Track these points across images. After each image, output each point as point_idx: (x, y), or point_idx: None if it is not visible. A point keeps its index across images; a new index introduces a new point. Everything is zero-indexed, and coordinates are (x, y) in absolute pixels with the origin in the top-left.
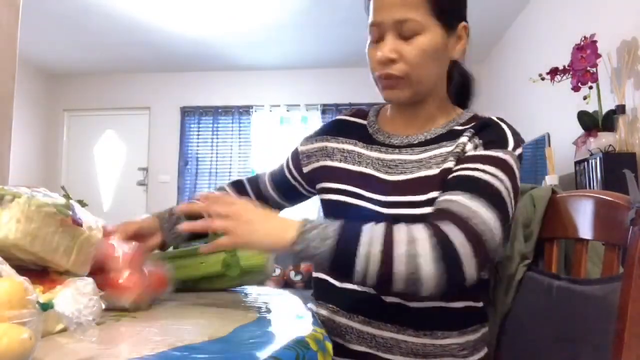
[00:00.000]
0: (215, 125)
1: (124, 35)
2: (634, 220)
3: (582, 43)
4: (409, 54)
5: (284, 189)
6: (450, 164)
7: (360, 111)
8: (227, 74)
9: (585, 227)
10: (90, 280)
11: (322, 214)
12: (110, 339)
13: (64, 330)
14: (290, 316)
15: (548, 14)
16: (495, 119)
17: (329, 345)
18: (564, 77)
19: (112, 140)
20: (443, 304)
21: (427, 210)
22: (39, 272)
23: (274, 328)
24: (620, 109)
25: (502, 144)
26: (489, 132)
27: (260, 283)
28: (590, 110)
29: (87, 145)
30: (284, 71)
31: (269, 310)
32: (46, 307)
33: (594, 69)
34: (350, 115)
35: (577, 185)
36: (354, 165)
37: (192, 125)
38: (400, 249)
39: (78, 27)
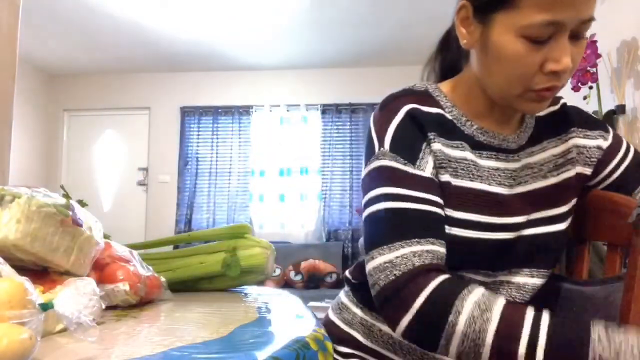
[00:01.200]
0: (215, 125)
1: (124, 35)
2: (637, 221)
3: None
4: (577, 60)
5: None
6: (570, 173)
7: (421, 97)
8: (227, 74)
9: (586, 228)
10: (90, 280)
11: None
12: (110, 339)
13: (64, 330)
14: (290, 316)
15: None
16: (564, 101)
17: (329, 345)
18: None
19: (112, 140)
20: None
21: (562, 226)
22: (39, 272)
23: (274, 328)
24: (620, 109)
25: (606, 125)
26: (589, 118)
27: (260, 283)
28: (590, 111)
29: (87, 145)
30: (284, 71)
31: (269, 310)
32: (46, 307)
33: (594, 69)
34: (421, 103)
35: None
36: (470, 180)
37: (192, 125)
38: None
39: (78, 27)
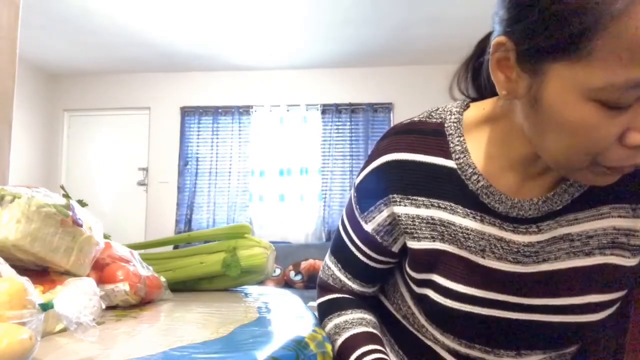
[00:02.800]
0: (215, 125)
1: (124, 35)
2: None
3: None
4: None
5: (374, 280)
6: (631, 261)
7: (425, 138)
8: (227, 74)
9: None
10: (90, 280)
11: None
12: (110, 339)
13: (64, 330)
14: (290, 316)
15: None
16: None
17: (329, 346)
18: None
19: (112, 140)
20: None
21: (596, 316)
22: (39, 272)
23: (274, 328)
24: None
25: None
26: None
27: (260, 283)
28: None
29: (87, 145)
30: (284, 71)
31: (269, 310)
32: (46, 307)
33: None
34: (414, 150)
35: None
36: (458, 248)
37: (192, 125)
38: None
39: (78, 27)
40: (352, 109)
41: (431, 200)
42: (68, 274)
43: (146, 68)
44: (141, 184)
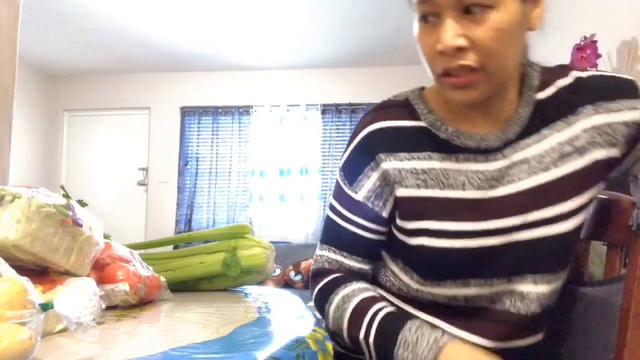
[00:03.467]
0: (215, 125)
1: (124, 35)
2: (637, 222)
3: (582, 43)
4: (482, 36)
5: (371, 254)
6: (584, 161)
7: (396, 109)
8: (227, 74)
9: (587, 228)
10: (90, 280)
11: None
12: (110, 339)
13: (64, 330)
14: (290, 316)
15: (548, 14)
16: (578, 73)
17: (329, 346)
18: None
19: (112, 140)
20: (529, 342)
21: (567, 226)
22: (39, 272)
23: (274, 328)
24: None
25: (636, 88)
26: (610, 88)
27: (260, 283)
28: None
29: (87, 145)
30: (284, 71)
31: (269, 310)
32: (46, 307)
33: (594, 69)
34: (389, 118)
35: None
36: (441, 189)
37: (192, 125)
38: None
39: (78, 27)
40: (352, 109)
41: (411, 154)
42: (68, 274)
43: (146, 68)
44: (141, 184)
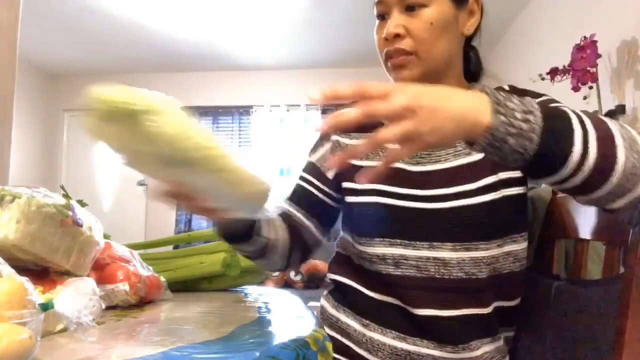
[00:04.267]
0: (215, 125)
1: (124, 35)
2: (636, 221)
3: (582, 43)
4: (416, 27)
5: (313, 210)
6: (479, 155)
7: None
8: (227, 74)
9: (585, 228)
10: (90, 280)
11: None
12: (110, 339)
13: (64, 330)
14: (290, 316)
15: (548, 14)
16: (513, 87)
17: (329, 345)
18: (564, 77)
19: None
20: (476, 311)
21: (482, 199)
22: (39, 272)
23: (274, 328)
24: (620, 109)
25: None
26: (527, 93)
27: (260, 283)
28: (591, 110)
29: (87, 145)
30: (284, 71)
31: (269, 310)
32: (46, 307)
33: (594, 69)
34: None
35: None
36: (379, 161)
37: None
38: (616, 130)
39: (78, 27)
40: None
41: (359, 134)
42: (68, 274)
43: (146, 68)
44: (141, 183)
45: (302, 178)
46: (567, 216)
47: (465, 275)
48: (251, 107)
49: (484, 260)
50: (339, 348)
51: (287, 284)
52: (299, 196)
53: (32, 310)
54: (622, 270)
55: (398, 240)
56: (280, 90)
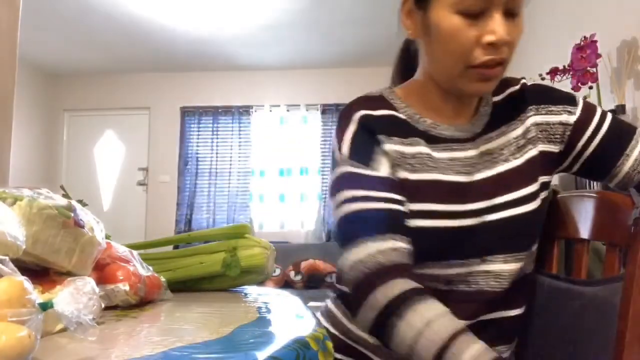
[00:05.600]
0: (215, 125)
1: (124, 35)
2: (637, 221)
3: (582, 43)
4: (516, 37)
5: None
6: (533, 152)
7: (376, 101)
8: (227, 74)
9: (586, 228)
10: (89, 279)
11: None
12: (110, 339)
13: (64, 330)
14: (290, 316)
15: (548, 14)
16: (525, 81)
17: (330, 345)
18: (564, 77)
19: (112, 140)
20: (504, 314)
21: (530, 207)
22: (39, 272)
23: (274, 328)
24: (620, 109)
25: (573, 98)
26: (551, 94)
27: (260, 283)
28: None
29: (87, 145)
30: (284, 71)
31: (269, 310)
32: (45, 306)
33: (594, 69)
34: (373, 108)
35: (577, 185)
36: (428, 173)
37: (192, 125)
38: None
39: (78, 27)
40: None
41: (401, 139)
42: (70, 274)
43: (146, 68)
44: (141, 183)
45: (385, 199)
46: (567, 216)
47: (509, 285)
48: (251, 107)
49: (525, 268)
50: (344, 349)
51: (287, 284)
52: (398, 222)
53: (31, 310)
54: (622, 270)
55: (452, 261)
56: (280, 90)
